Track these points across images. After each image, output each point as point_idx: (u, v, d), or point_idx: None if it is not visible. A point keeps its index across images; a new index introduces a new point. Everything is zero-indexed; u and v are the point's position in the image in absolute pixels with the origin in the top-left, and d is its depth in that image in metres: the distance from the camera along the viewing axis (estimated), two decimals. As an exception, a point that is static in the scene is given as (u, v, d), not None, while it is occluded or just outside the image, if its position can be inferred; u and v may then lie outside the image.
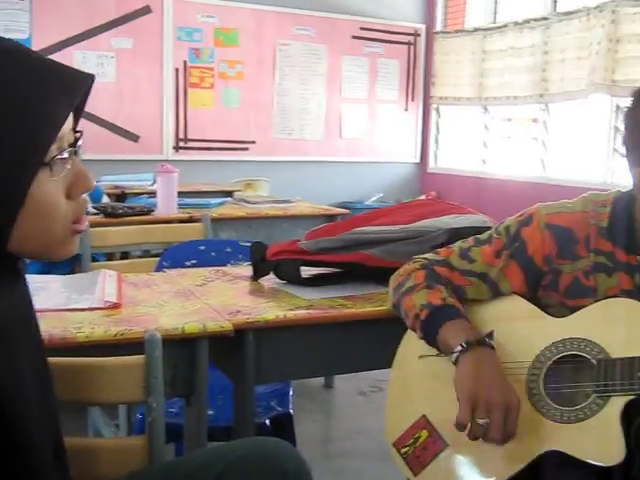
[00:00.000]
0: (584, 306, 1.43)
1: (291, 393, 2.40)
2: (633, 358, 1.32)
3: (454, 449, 1.46)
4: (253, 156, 6.68)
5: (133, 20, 6.08)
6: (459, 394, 1.39)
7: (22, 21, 5.67)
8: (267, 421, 2.22)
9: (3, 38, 0.95)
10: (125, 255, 3.70)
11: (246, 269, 2.30)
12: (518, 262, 1.50)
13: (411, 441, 1.52)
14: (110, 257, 3.69)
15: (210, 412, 2.06)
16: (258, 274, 2.17)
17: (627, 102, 1.37)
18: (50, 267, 3.09)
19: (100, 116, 5.90)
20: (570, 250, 1.46)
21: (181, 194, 3.82)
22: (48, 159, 0.94)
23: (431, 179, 7.53)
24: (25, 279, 1.06)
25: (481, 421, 1.34)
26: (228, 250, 2.68)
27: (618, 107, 5.50)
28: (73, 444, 1.26)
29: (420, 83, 7.51)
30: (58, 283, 2.01)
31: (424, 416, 1.52)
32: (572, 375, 1.38)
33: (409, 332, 1.62)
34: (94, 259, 3.12)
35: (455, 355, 1.43)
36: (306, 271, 2.13)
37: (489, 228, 1.64)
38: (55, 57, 1.00)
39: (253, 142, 6.70)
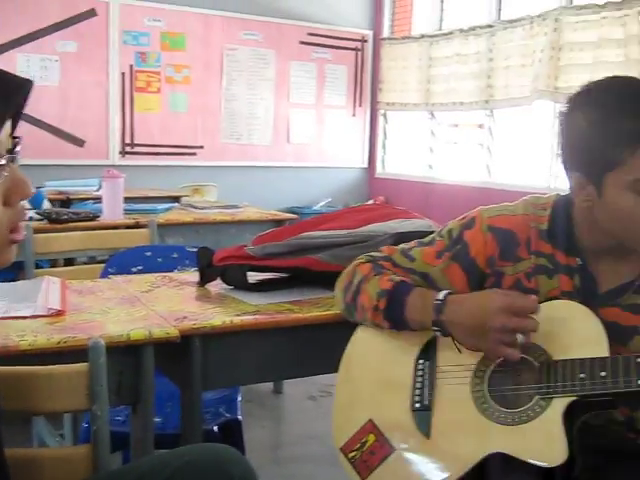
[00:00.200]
0: (525, 308, 1.44)
1: (239, 399, 2.39)
2: (574, 360, 1.34)
3: (401, 453, 1.46)
4: (201, 161, 6.64)
5: (78, 23, 6.00)
6: (485, 351, 1.40)
7: (-38, 23, 5.56)
8: (215, 427, 2.20)
9: None
10: (70, 262, 3.65)
11: (193, 275, 2.29)
12: (460, 264, 1.52)
13: (358, 445, 1.52)
14: (54, 264, 3.63)
15: (158, 420, 2.05)
16: (205, 280, 2.16)
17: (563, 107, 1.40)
18: (-8, 274, 3.03)
19: (45, 120, 5.80)
20: (512, 252, 1.48)
21: (127, 200, 3.78)
22: None
23: (379, 184, 7.58)
24: None
25: (519, 340, 1.35)
26: (175, 256, 2.66)
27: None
28: (16, 455, 1.24)
29: (367, 89, 7.56)
30: (-1, 290, 1.97)
31: (371, 420, 1.52)
32: (515, 377, 1.40)
33: (356, 335, 1.62)
34: (38, 266, 3.07)
35: (436, 333, 1.44)
36: (253, 276, 2.12)
37: (434, 233, 1.66)
38: (-4, 60, 0.98)
39: (201, 147, 6.66)
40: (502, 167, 6.42)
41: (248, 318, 1.84)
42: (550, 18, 5.58)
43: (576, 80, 5.31)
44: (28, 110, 1.00)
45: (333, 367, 1.66)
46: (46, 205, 3.75)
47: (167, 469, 1.25)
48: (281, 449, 3.34)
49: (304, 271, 2.05)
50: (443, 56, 6.70)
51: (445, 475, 1.39)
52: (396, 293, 1.49)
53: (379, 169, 7.67)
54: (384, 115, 7.63)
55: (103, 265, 2.68)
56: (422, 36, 6.96)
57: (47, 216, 3.40)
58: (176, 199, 4.77)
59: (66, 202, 4.33)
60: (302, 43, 7.11)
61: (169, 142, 6.50)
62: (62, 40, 5.94)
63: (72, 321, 1.75)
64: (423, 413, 1.46)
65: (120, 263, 2.58)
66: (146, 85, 6.38)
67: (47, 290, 1.96)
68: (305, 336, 1.92)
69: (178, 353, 1.78)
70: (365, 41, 7.50)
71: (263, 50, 6.91)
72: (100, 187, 4.12)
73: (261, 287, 2.09)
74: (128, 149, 6.34)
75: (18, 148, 0.96)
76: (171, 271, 2.48)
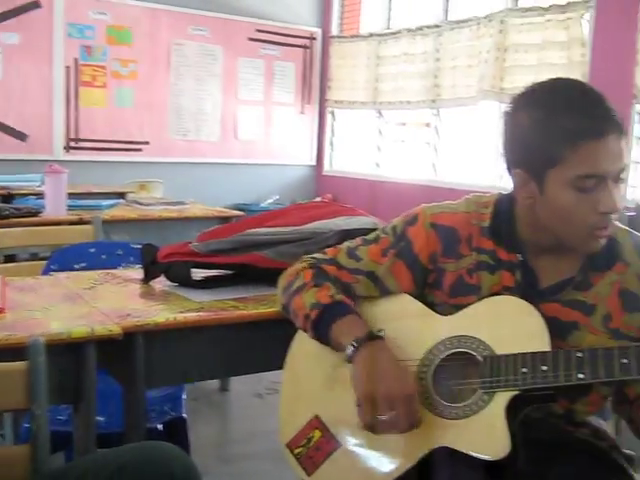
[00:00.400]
0: (469, 304, 1.46)
1: (184, 397, 2.37)
2: (517, 354, 1.36)
3: (346, 449, 1.47)
4: (147, 157, 6.56)
5: (21, 15, 5.87)
6: (358, 394, 1.40)
7: None
8: (160, 426, 2.18)
9: None
10: (11, 258, 3.57)
11: (137, 272, 2.26)
12: (404, 261, 1.53)
13: (304, 441, 1.52)
14: (-5, 260, 3.55)
15: (101, 419, 2.02)
16: (149, 277, 2.14)
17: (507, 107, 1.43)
18: None
19: (-15, 114, 5.68)
20: (454, 249, 1.50)
21: (71, 195, 3.73)
22: None
23: (327, 181, 7.60)
24: None
25: (383, 417, 1.35)
26: (119, 253, 2.63)
27: (505, 113, 5.69)
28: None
29: (316, 86, 7.57)
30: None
31: (317, 416, 1.53)
32: (460, 372, 1.41)
33: (300, 332, 1.62)
34: (-23, 262, 3.00)
35: (348, 354, 1.44)
36: (198, 273, 2.11)
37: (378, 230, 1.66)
38: None
39: (147, 143, 6.59)
40: (448, 166, 6.50)
41: (192, 315, 1.83)
42: (496, 20, 5.66)
43: (521, 81, 5.39)
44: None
45: (279, 364, 1.66)
46: (-14, 200, 3.68)
47: (108, 468, 1.24)
48: (227, 447, 3.33)
49: (249, 268, 2.05)
50: (391, 55, 6.75)
51: (390, 470, 1.41)
52: (331, 310, 1.50)
53: (327, 167, 7.69)
54: (332, 113, 7.65)
55: (45, 262, 2.63)
56: (370, 35, 6.99)
57: (-13, 211, 3.33)
58: (121, 195, 4.71)
59: (8, 197, 4.24)
60: (250, 39, 7.08)
61: (115, 137, 6.41)
62: (5, 32, 5.80)
63: (12, 319, 1.71)
64: None
65: (63, 260, 2.54)
66: (91, 79, 6.28)
67: (-14, 287, 1.91)
68: (250, 333, 1.92)
69: (121, 351, 1.75)
70: (314, 39, 7.50)
71: (211, 46, 6.86)
72: (43, 182, 4.05)
73: (205, 284, 2.08)
74: (73, 144, 6.23)
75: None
76: (115, 268, 2.45)
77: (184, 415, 2.29)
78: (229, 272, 2.13)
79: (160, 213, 3.91)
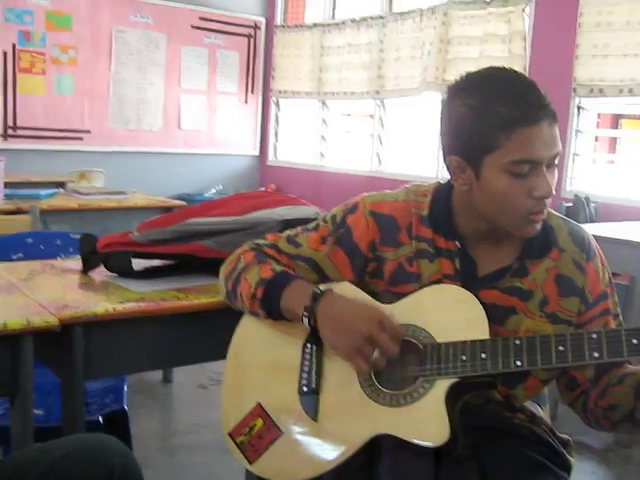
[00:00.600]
0: (409, 292, 1.47)
1: (126, 389, 2.35)
2: (456, 342, 1.38)
3: (288, 437, 1.47)
4: (88, 146, 6.46)
5: (-45, -1, 5.72)
6: (338, 354, 1.42)
7: None
8: (100, 418, 2.15)
9: None
10: (-55, 249, 3.48)
11: (76, 262, 2.22)
12: (343, 248, 1.53)
13: (246, 430, 1.52)
14: None
15: (39, 412, 1.99)
16: (88, 267, 2.10)
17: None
18: None
19: None
20: (393, 237, 1.51)
21: (8, 185, 3.66)
22: None
23: (271, 172, 7.58)
24: None
25: (374, 355, 1.38)
26: (58, 243, 2.58)
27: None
28: None
29: (260, 76, 7.54)
30: None
31: (259, 404, 1.53)
32: (401, 360, 1.42)
33: (242, 321, 1.61)
34: None
35: (306, 326, 1.45)
36: (138, 263, 2.08)
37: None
38: None
39: (88, 131, 6.48)
40: (392, 156, 6.55)
41: (132, 306, 1.81)
42: (439, 12, 5.71)
43: (463, 73, 5.46)
44: None
45: (222, 354, 1.65)
46: None
47: (45, 461, 1.21)
48: (171, 439, 3.30)
49: (191, 258, 2.03)
50: (335, 45, 6.76)
51: (332, 457, 1.41)
52: (275, 283, 1.50)
53: (271, 157, 7.67)
54: (276, 103, 7.63)
55: (-19, 252, 2.57)
56: (315, 25, 6.99)
57: None
58: (61, 185, 4.63)
59: (-58, 187, 4.12)
60: (194, 28, 7.01)
61: (54, 126, 6.29)
62: (-62, 16, 5.65)
63: (-55, 310, 1.67)
64: (310, 396, 1.47)
65: (-1, 250, 2.49)
66: (30, 66, 6.15)
67: None
68: (191, 323, 1.90)
69: (59, 343, 1.72)
70: (258, 28, 7.46)
71: (154, 33, 6.78)
72: (-22, 171, 3.95)
73: (146, 274, 2.06)
74: (10, 132, 6.09)
75: None
76: (54, 258, 2.40)
77: (125, 407, 2.27)
78: (170, 262, 2.10)
79: (100, 203, 3.85)
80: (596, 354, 1.29)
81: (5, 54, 6.00)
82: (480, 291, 1.43)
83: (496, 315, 1.43)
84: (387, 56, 6.26)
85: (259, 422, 1.51)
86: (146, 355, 1.91)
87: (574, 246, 1.48)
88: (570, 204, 4.74)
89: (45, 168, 5.75)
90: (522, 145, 1.32)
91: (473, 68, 1.43)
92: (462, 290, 1.43)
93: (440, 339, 1.40)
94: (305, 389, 1.48)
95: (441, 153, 1.46)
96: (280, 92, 7.42)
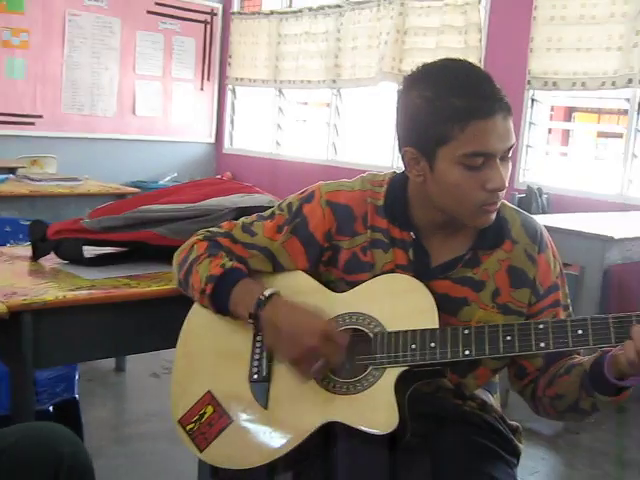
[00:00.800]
0: (363, 281, 1.48)
1: (77, 377, 2.32)
2: (407, 331, 1.39)
3: (238, 424, 1.48)
4: (40, 131, 6.34)
5: None
6: (281, 359, 1.43)
7: None
8: (50, 408, 2.13)
9: None
10: None
11: (26, 249, 2.18)
12: (299, 237, 1.53)
13: (196, 417, 1.51)
14: None
15: (-13, 401, 1.96)
16: (38, 254, 2.07)
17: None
18: None
19: None
20: (349, 227, 1.51)
21: (-44, 170, 3.58)
22: None
23: (226, 159, 7.54)
24: None
25: (317, 365, 1.38)
26: (7, 229, 2.55)
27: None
28: None
29: (216, 63, 7.48)
30: None
31: (209, 392, 1.52)
32: (352, 348, 1.43)
33: (193, 309, 1.61)
34: None
35: (250, 324, 1.45)
36: (90, 251, 2.05)
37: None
38: None
39: (40, 116, 6.36)
40: (348, 146, 6.56)
41: (82, 293, 1.79)
42: (396, 2, 5.73)
43: (419, 64, 5.48)
44: None
45: (174, 342, 1.64)
46: None
47: (-9, 450, 1.19)
48: (123, 428, 3.28)
49: (143, 245, 2.01)
50: (292, 34, 6.73)
51: (282, 444, 1.42)
52: (223, 281, 1.50)
53: (227, 144, 7.63)
54: (233, 90, 7.58)
55: None
56: (272, 12, 6.95)
57: None
58: (12, 170, 4.54)
59: None
60: (149, 13, 6.92)
61: (5, 110, 6.16)
62: None
63: None
64: (261, 384, 1.47)
65: (-54, 236, 2.44)
66: (-21, 48, 6.02)
67: None
68: (143, 311, 1.89)
69: (7, 330, 1.70)
70: (215, 14, 7.40)
71: (108, 18, 6.67)
72: None
73: (97, 261, 2.03)
74: (-41, 116, 5.96)
75: None
76: (4, 245, 2.36)
77: (76, 396, 2.25)
78: (122, 249, 2.08)
79: (52, 189, 3.80)
80: (542, 344, 1.31)
81: (-46, 36, 5.86)
82: (432, 281, 1.45)
83: (448, 306, 1.44)
84: (344, 45, 6.26)
85: (209, 409, 1.51)
86: (97, 343, 1.89)
87: (526, 238, 1.50)
88: (523, 195, 4.81)
89: (-5, 153, 5.64)
90: (476, 138, 1.33)
91: (429, 59, 1.44)
92: (413, 280, 1.44)
93: (390, 328, 1.42)
94: (256, 377, 1.48)
95: (397, 144, 1.46)
96: (236, 79, 7.37)
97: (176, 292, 1.69)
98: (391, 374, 1.38)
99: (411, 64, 5.52)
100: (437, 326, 1.38)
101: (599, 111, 8.01)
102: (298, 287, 1.53)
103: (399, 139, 1.44)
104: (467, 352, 1.34)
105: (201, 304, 1.56)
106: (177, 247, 1.66)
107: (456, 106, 1.32)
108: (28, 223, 2.28)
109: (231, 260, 1.54)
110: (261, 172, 6.98)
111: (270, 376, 1.47)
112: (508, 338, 1.33)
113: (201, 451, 1.49)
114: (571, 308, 1.54)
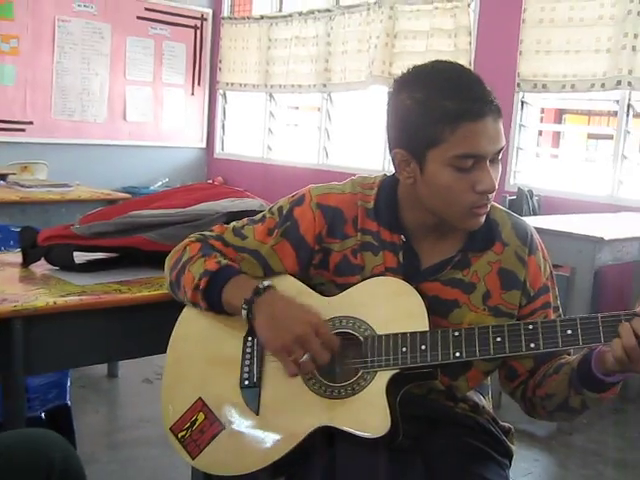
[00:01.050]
0: (353, 284, 1.48)
1: (69, 384, 2.32)
2: (397, 334, 1.39)
3: (230, 430, 1.47)
4: (30, 138, 6.32)
5: None
6: (269, 350, 1.43)
7: None
8: (42, 414, 2.12)
9: None
10: None
11: (17, 255, 2.18)
12: (290, 241, 1.53)
13: (188, 425, 1.51)
14: None
15: (-23, 408, 1.95)
16: (28, 260, 2.06)
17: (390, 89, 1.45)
18: None
19: None
20: (339, 229, 1.51)
21: (-54, 177, 3.57)
22: None
23: (218, 164, 7.54)
24: None
25: (304, 358, 1.38)
26: (-2, 236, 2.53)
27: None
28: None
29: (207, 68, 7.48)
30: None
31: (200, 399, 1.52)
32: (342, 352, 1.43)
33: (182, 314, 1.60)
34: None
35: (244, 315, 1.44)
36: (80, 257, 2.05)
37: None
38: None
39: (30, 123, 6.35)
40: (339, 150, 6.56)
41: (73, 299, 1.78)
42: (385, 6, 5.74)
43: (409, 67, 5.50)
44: None
45: (165, 348, 1.63)
46: None
47: (-18, 457, 1.19)
48: (116, 434, 3.28)
49: (134, 251, 2.00)
50: (282, 38, 6.74)
51: (274, 450, 1.41)
52: (219, 275, 1.49)
53: (218, 149, 7.63)
54: (223, 95, 7.58)
55: None
56: (262, 17, 6.96)
57: None
58: (2, 177, 4.53)
59: None
60: (139, 18, 6.91)
61: (-5, 117, 6.15)
62: None
63: None
64: (252, 390, 1.47)
65: (-64, 243, 2.43)
66: (-31, 55, 6.00)
67: None
68: (134, 317, 1.88)
69: (-2, 337, 1.69)
70: (205, 19, 7.40)
71: (98, 23, 6.67)
72: None
73: (88, 267, 2.02)
74: (-51, 123, 5.94)
75: None
76: (-6, 252, 2.35)
77: (68, 402, 2.24)
78: (112, 255, 2.08)
79: (43, 196, 3.79)
80: (532, 345, 1.32)
81: (-57, 43, 5.85)
82: (422, 284, 1.45)
83: (439, 308, 1.45)
84: (334, 49, 6.27)
85: (200, 416, 1.50)
86: (89, 349, 1.88)
87: (517, 240, 1.50)
88: (513, 197, 4.82)
89: (-15, 160, 5.61)
90: (466, 140, 1.33)
91: (419, 62, 1.44)
92: (402, 283, 1.44)
93: (380, 331, 1.42)
94: (246, 382, 1.48)
95: (387, 147, 1.46)
96: (227, 84, 7.38)
97: (167, 297, 1.69)
98: (382, 377, 1.38)
99: (401, 67, 5.50)
100: (427, 329, 1.38)
101: (589, 113, 8.06)
102: (288, 291, 1.53)
103: (389, 141, 1.44)
104: (457, 354, 1.35)
105: (192, 302, 1.54)
106: (168, 252, 1.66)
107: (447, 108, 1.32)
108: (18, 229, 2.27)
109: (226, 259, 1.54)
110: (253, 177, 6.97)
111: (261, 381, 1.47)
112: (498, 339, 1.33)
113: (193, 458, 1.49)
114: (561, 309, 1.54)
